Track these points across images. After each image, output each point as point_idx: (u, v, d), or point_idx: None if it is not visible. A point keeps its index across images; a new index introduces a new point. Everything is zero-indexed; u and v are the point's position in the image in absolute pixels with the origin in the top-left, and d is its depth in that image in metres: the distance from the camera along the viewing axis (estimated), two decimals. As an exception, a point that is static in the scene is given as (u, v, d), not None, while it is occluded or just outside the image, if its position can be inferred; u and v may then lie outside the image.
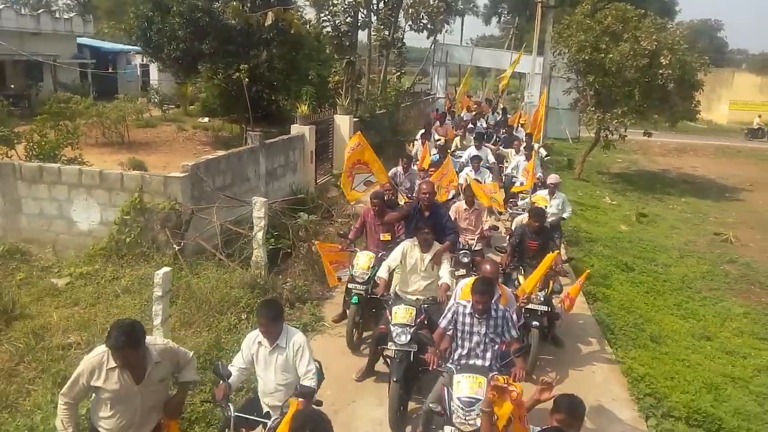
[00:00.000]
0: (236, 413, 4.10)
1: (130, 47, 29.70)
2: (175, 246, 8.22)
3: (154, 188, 8.54)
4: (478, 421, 4.07)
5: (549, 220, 8.67)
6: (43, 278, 8.31)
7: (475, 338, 4.82)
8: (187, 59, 19.13)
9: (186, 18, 17.77)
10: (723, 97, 41.69)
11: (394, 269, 6.44)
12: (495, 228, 9.02)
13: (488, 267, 5.58)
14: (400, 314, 5.72)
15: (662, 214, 16.52)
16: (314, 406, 3.79)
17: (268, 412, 4.30)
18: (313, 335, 7.26)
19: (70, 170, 8.88)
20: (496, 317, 4.83)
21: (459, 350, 4.89)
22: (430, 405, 4.66)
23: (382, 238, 7.41)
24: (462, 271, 7.97)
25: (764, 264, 12.50)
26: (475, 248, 8.38)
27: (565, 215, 9.71)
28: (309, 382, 4.11)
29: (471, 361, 4.83)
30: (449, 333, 4.95)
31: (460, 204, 8.84)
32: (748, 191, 20.66)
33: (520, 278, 7.21)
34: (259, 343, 4.28)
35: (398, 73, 23.99)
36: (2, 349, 6.40)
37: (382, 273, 6.41)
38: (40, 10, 28.08)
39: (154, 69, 28.89)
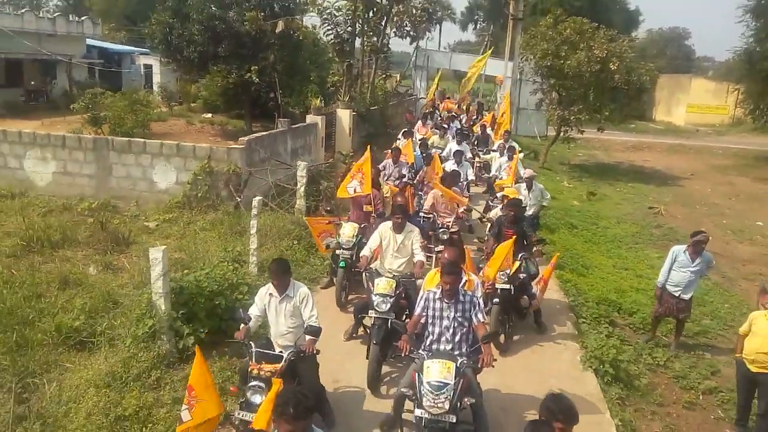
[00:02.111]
0: (257, 349, 5.06)
1: (135, 49, 32.56)
2: (237, 198, 11.34)
3: (219, 156, 11.66)
4: (447, 404, 4.51)
5: (529, 212, 10.16)
6: (135, 223, 11.34)
7: (445, 322, 5.14)
8: (202, 61, 22.10)
9: (204, 25, 20.76)
10: (681, 100, 45.92)
11: (375, 249, 7.13)
12: (468, 210, 10.45)
13: (449, 253, 5.86)
14: (382, 285, 6.54)
15: (610, 194, 20.06)
16: (300, 389, 4.12)
17: (281, 351, 5.22)
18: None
19: (153, 143, 11.97)
20: (463, 301, 5.16)
21: (430, 336, 5.22)
22: (402, 390, 4.94)
23: (365, 208, 8.97)
24: (440, 247, 8.80)
25: (685, 228, 15.92)
26: (452, 228, 9.52)
27: (545, 203, 11.02)
28: (314, 322, 5.18)
29: (441, 346, 5.15)
30: (422, 321, 5.29)
31: (437, 191, 10.01)
32: (688, 179, 24.38)
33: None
34: (270, 294, 5.31)
35: (384, 76, 27.26)
36: (135, 261, 9.42)
37: (365, 252, 7.12)
38: (23, 10, 29.69)
39: (157, 69, 31.71)
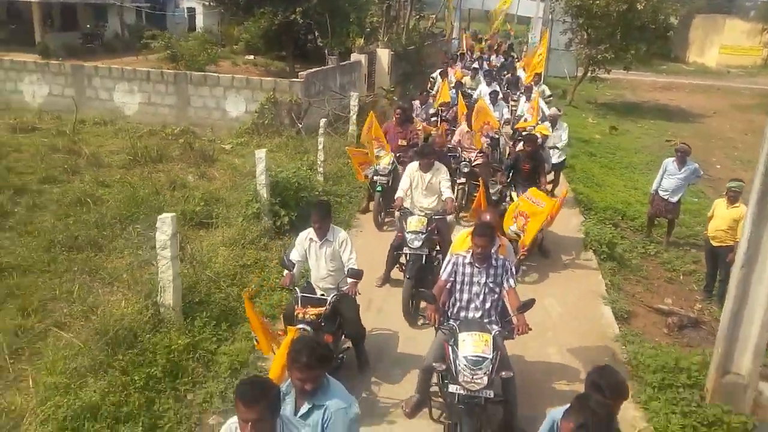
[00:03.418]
0: (302, 294, 5.29)
1: (178, -8, 34.26)
2: (299, 125, 13.42)
3: (282, 88, 13.69)
4: (485, 379, 4.29)
5: (559, 158, 10.93)
6: (213, 145, 13.51)
7: (475, 288, 4.89)
8: (248, 3, 23.78)
9: (251, -33, 22.41)
10: (715, 42, 46.05)
11: (407, 189, 7.37)
12: (495, 141, 10.93)
13: (488, 216, 5.50)
14: (414, 223, 6.87)
15: (631, 129, 21.64)
16: (316, 338, 4.48)
17: (322, 294, 5.48)
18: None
19: (225, 77, 14.04)
20: (496, 266, 4.89)
21: (458, 303, 4.96)
22: (434, 364, 4.67)
23: (399, 143, 9.82)
24: (463, 179, 9.84)
25: (695, 158, 17.64)
26: (475, 162, 10.04)
27: (559, 144, 11.08)
28: (354, 265, 5.36)
29: (470, 314, 4.91)
30: (448, 287, 5.01)
31: (464, 126, 10.72)
32: (709, 117, 25.67)
33: (513, 194, 8.72)
34: (311, 239, 5.49)
35: (417, 17, 28.64)
36: (222, 172, 11.60)
37: (399, 194, 7.39)
38: None
39: (200, 12, 33.46)
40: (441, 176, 7.33)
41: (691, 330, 7.38)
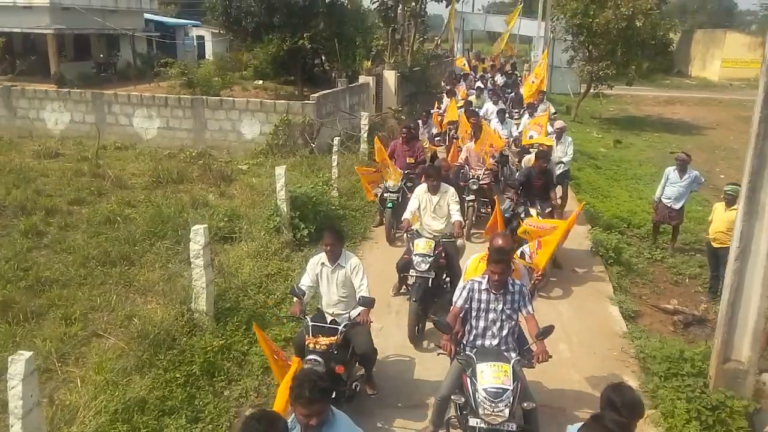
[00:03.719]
0: (312, 323, 5.17)
1: (187, 21, 35.25)
2: (312, 144, 13.96)
3: (295, 110, 14.27)
4: (507, 411, 4.16)
5: (561, 170, 10.89)
6: (230, 166, 14.05)
7: (491, 315, 4.75)
8: (257, 31, 24.58)
9: (260, -3, 23.21)
10: (716, 55, 46.71)
11: (415, 211, 7.37)
12: (501, 160, 11.37)
13: (500, 240, 4.91)
14: (421, 246, 6.87)
15: (635, 143, 22.13)
16: (317, 371, 4.15)
17: (334, 320, 5.39)
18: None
19: (240, 100, 14.65)
20: (513, 292, 4.75)
21: (474, 330, 4.82)
22: (453, 397, 4.62)
23: (408, 161, 10.12)
24: (472, 196, 10.04)
25: (699, 169, 18.06)
26: (483, 179, 10.29)
27: (565, 159, 11.20)
28: (366, 292, 5.29)
29: (487, 341, 4.78)
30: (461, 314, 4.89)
31: (471, 144, 10.81)
32: (713, 129, 26.15)
33: (531, 210, 8.72)
34: (323, 264, 5.43)
35: (421, 39, 29.41)
36: (240, 191, 12.11)
37: (407, 215, 7.35)
38: None
39: (209, 40, 34.41)
40: (449, 198, 7.32)
41: (697, 327, 7.75)
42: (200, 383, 5.72)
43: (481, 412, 4.22)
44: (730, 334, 5.59)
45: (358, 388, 5.40)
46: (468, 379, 4.42)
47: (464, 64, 29.51)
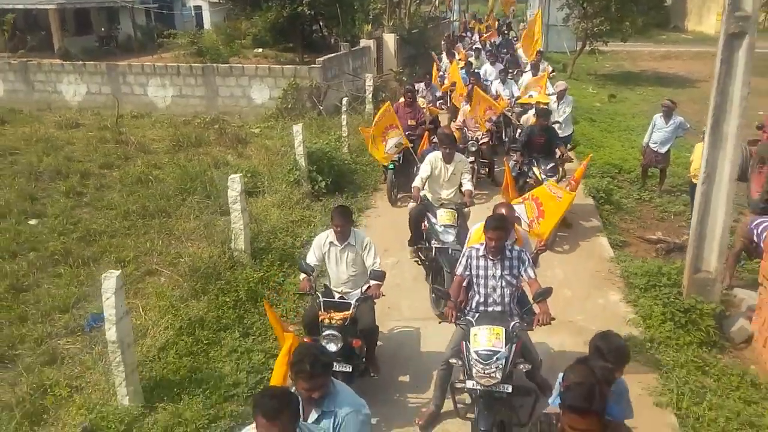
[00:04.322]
0: (324, 299, 5.11)
1: (184, -9, 35.64)
2: (320, 106, 14.79)
3: (302, 74, 15.06)
4: (499, 374, 4.23)
5: (565, 133, 10.84)
6: (243, 129, 14.90)
7: (491, 282, 4.81)
8: (257, -1, 25.07)
9: (259, -37, 23.71)
10: (712, 9, 46.89)
11: (426, 179, 7.32)
12: (508, 119, 11.80)
13: (503, 210, 5.32)
14: (445, 216, 6.88)
15: (630, 97, 22.87)
16: (317, 345, 3.88)
17: (342, 297, 5.36)
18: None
19: (249, 67, 15.45)
20: (510, 257, 4.81)
21: (476, 297, 4.91)
22: (450, 360, 4.71)
23: (409, 123, 10.20)
24: (471, 158, 9.83)
25: (690, 119, 18.91)
26: (482, 140, 10.53)
27: (560, 119, 11.03)
28: (378, 267, 5.26)
29: (489, 308, 4.84)
30: (466, 282, 4.95)
31: (467, 107, 11.08)
32: (706, 81, 26.75)
33: (534, 170, 8.80)
34: (331, 243, 5.35)
35: (418, 1, 29.90)
36: (255, 151, 12.98)
37: (417, 183, 7.32)
38: None
39: (206, 9, 34.83)
40: (463, 167, 7.41)
41: (677, 254, 8.65)
42: (246, 306, 6.72)
43: (474, 374, 4.33)
44: (699, 249, 6.56)
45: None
46: (464, 343, 4.53)
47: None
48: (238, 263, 7.44)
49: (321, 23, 26.00)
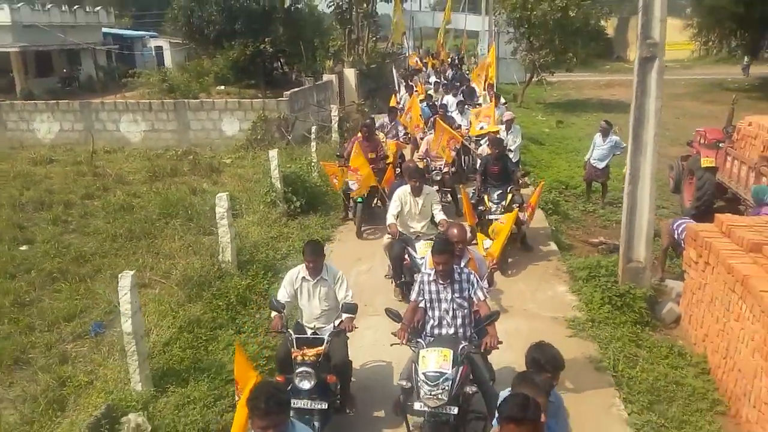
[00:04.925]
0: (296, 336, 5.07)
1: (144, 33, 36.47)
2: (288, 136, 15.76)
3: (270, 107, 16.06)
4: (445, 395, 4.35)
5: (514, 157, 11.37)
6: (215, 160, 15.72)
7: (443, 305, 4.93)
8: (218, 38, 26.09)
9: (221, 6, 24.78)
10: (651, 40, 49.99)
11: (397, 215, 7.49)
12: (466, 149, 12.23)
13: (455, 231, 5.58)
14: (424, 249, 6.91)
15: (576, 122, 24.54)
16: (274, 383, 4.02)
17: (315, 332, 5.34)
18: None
19: (220, 102, 16.39)
20: (460, 280, 4.92)
21: (431, 321, 5.02)
22: (400, 382, 4.76)
23: (369, 156, 10.16)
24: (435, 187, 9.56)
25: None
26: (444, 170, 10.84)
27: (512, 147, 11.71)
28: (351, 300, 5.27)
29: (443, 330, 4.97)
30: (421, 306, 5.05)
31: (430, 136, 11.37)
32: (646, 107, 28.84)
33: (485, 198, 9.12)
34: (303, 278, 5.35)
35: (374, 38, 31.43)
36: (228, 179, 13.83)
37: (390, 219, 7.47)
38: (49, 5, 33.62)
39: (167, 49, 35.70)
40: (433, 199, 7.65)
41: (617, 254, 9.84)
42: (237, 309, 7.52)
43: (422, 395, 4.42)
44: (630, 242, 7.69)
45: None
46: (413, 365, 4.64)
47: (416, 61, 31.55)
48: (226, 273, 8.23)
49: (281, 60, 27.16)
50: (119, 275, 5.79)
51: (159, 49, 36.80)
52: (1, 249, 9.73)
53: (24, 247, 10.01)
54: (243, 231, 9.91)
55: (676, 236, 8.21)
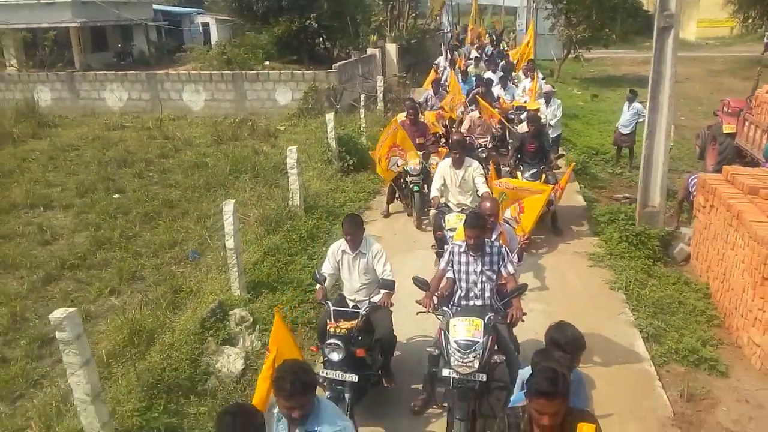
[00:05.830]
0: (334, 308, 5.23)
1: (192, 9, 38.17)
2: (336, 105, 17.16)
3: (320, 78, 17.47)
4: (476, 363, 4.47)
5: (553, 134, 11.63)
6: (270, 127, 17.23)
7: (472, 276, 5.10)
8: (265, 14, 27.49)
9: (271, -18, 26.16)
10: (692, 16, 49.89)
11: (441, 187, 7.63)
12: (502, 125, 11.78)
13: (487, 204, 5.73)
14: (453, 220, 7.17)
15: (611, 96, 25.40)
16: (300, 363, 3.54)
17: (356, 305, 5.46)
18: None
19: (274, 73, 17.88)
20: (490, 253, 5.09)
21: (459, 291, 5.18)
22: (428, 349, 5.01)
23: (417, 141, 10.09)
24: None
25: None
26: (489, 146, 10.91)
27: (552, 122, 12.02)
28: (389, 276, 5.36)
29: (471, 302, 5.14)
30: (449, 276, 5.21)
31: (474, 113, 11.38)
32: (682, 82, 29.30)
33: (519, 174, 9.26)
34: (344, 251, 5.53)
35: (414, 14, 32.51)
36: (284, 143, 15.31)
37: (434, 192, 7.62)
38: None
39: (213, 27, 37.32)
40: (474, 171, 7.66)
41: (638, 207, 11.04)
42: (307, 242, 9.02)
43: (452, 362, 4.53)
44: (646, 189, 8.93)
45: (381, 374, 5.45)
46: (443, 333, 4.77)
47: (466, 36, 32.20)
48: (295, 215, 9.73)
49: (324, 36, 28.48)
50: (222, 203, 7.31)
51: (206, 25, 38.45)
52: (99, 196, 11.40)
53: (116, 195, 11.69)
54: (306, 182, 11.38)
55: (690, 189, 9.38)
